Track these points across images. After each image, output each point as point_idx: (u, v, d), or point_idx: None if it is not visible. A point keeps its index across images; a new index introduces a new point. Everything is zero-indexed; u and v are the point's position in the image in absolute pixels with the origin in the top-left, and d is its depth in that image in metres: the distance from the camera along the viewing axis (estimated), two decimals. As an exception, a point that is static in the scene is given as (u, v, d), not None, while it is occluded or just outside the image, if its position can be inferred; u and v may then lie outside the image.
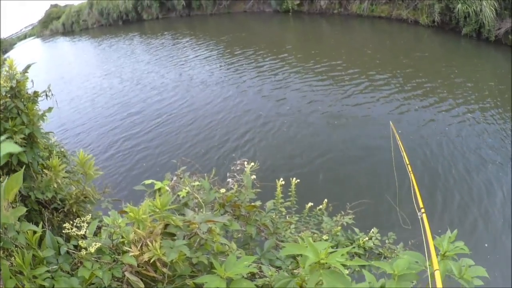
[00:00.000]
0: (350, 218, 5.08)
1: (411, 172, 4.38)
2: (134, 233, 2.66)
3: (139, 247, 2.60)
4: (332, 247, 2.49)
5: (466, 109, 16.22)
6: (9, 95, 4.06)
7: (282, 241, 4.23)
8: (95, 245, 2.70)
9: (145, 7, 61.90)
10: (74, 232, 2.85)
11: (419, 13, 30.07)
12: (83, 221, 2.93)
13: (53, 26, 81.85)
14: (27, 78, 4.30)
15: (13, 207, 2.70)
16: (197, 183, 4.01)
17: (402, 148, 5.15)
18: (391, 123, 7.69)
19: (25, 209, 2.67)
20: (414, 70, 21.58)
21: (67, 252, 2.87)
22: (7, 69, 4.16)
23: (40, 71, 36.64)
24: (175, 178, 4.18)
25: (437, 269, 2.50)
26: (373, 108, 17.44)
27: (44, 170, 4.30)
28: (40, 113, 4.41)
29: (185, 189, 3.78)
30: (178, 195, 3.78)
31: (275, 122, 17.29)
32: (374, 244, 4.75)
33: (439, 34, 27.97)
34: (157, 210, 2.72)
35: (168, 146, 16.80)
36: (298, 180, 5.25)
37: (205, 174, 4.31)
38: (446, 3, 26.75)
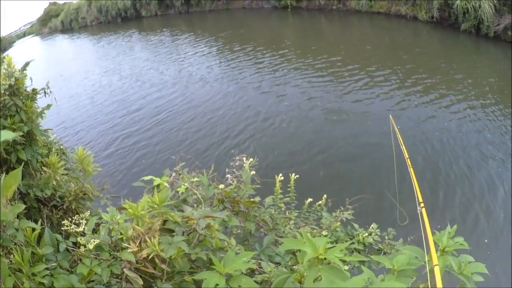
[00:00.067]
0: (349, 214, 5.08)
1: (410, 166, 4.38)
2: (133, 229, 2.66)
3: (137, 244, 2.60)
4: (331, 242, 2.49)
5: (466, 105, 16.22)
6: (7, 93, 4.06)
7: (281, 237, 4.23)
8: (94, 242, 2.70)
9: (144, 4, 61.86)
10: (73, 229, 2.85)
11: (418, 8, 30.04)
12: (81, 218, 2.93)
13: (52, 24, 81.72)
14: (26, 75, 4.29)
15: (11, 205, 2.70)
16: (196, 179, 4.01)
17: (402, 142, 5.14)
18: (391, 116, 7.67)
19: (23, 206, 2.66)
20: (413, 66, 21.56)
21: (67, 250, 2.88)
22: (5, 67, 4.16)
23: (39, 69, 36.59)
24: (174, 174, 4.17)
25: (436, 265, 2.50)
26: (373, 104, 17.43)
27: (43, 167, 4.29)
28: (38, 110, 4.41)
29: (184, 185, 3.78)
30: (177, 191, 3.77)
31: (275, 118, 17.28)
32: (373, 240, 4.75)
33: (438, 30, 27.94)
34: (156, 206, 2.72)
35: (168, 143, 16.78)
36: (297, 176, 5.25)
37: (204, 170, 4.30)
38: (445, -2, 26.77)
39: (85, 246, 2.71)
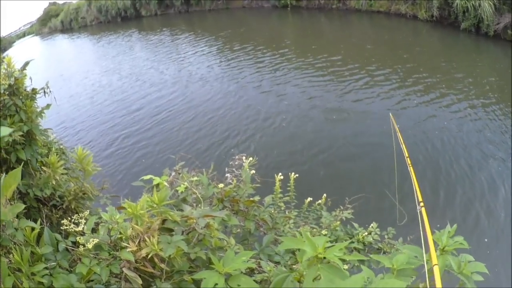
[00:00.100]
0: (349, 213, 5.08)
1: (410, 165, 4.38)
2: (132, 228, 2.66)
3: (137, 243, 2.60)
4: (330, 242, 2.48)
5: (467, 104, 16.20)
6: (7, 92, 4.06)
7: (280, 236, 4.23)
8: (93, 241, 2.70)
9: (144, 4, 61.88)
10: (72, 228, 2.85)
11: (418, 7, 30.04)
12: (81, 218, 2.93)
13: (51, 24, 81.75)
14: (25, 75, 4.30)
15: (11, 204, 2.71)
16: (195, 178, 4.01)
17: (402, 140, 5.14)
18: (390, 115, 7.67)
19: (23, 206, 2.67)
20: (413, 65, 21.56)
21: (66, 249, 2.88)
22: (5, 66, 4.17)
23: (39, 68, 36.57)
24: (173, 173, 4.17)
25: (435, 264, 2.50)
26: (373, 103, 17.42)
27: (42, 167, 4.30)
28: (38, 110, 4.41)
29: (184, 184, 3.78)
30: (177, 191, 3.77)
31: (275, 117, 17.27)
32: (373, 239, 4.75)
33: (437, 29, 27.94)
34: (155, 206, 2.72)
35: (168, 143, 16.77)
36: (297, 175, 5.24)
37: (204, 170, 4.30)
38: (445, -3, 26.77)
39: (84, 246, 2.71)
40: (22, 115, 4.09)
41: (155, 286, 2.67)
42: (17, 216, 2.73)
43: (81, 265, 2.66)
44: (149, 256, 2.56)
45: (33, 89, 4.40)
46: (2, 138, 3.79)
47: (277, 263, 3.55)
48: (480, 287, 2.76)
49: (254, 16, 46.26)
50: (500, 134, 13.71)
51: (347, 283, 2.11)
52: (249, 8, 49.82)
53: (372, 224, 4.85)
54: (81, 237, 2.77)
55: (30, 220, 2.81)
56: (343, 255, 2.34)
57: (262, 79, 22.79)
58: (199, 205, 3.56)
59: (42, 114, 4.47)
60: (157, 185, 3.63)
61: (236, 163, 4.56)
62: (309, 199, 5.32)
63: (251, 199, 4.08)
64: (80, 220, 2.90)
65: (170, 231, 2.80)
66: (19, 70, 4.23)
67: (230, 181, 4.33)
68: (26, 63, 4.44)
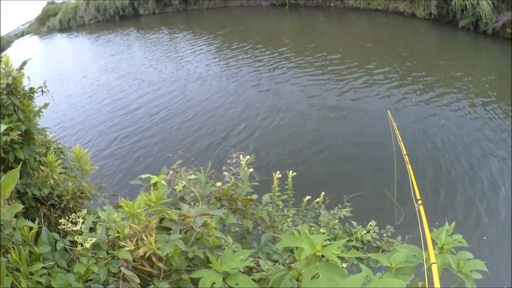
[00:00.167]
0: (347, 211, 5.07)
1: (408, 162, 4.37)
2: (130, 227, 2.66)
3: (134, 242, 2.60)
4: (329, 240, 2.49)
5: (466, 103, 16.21)
6: (5, 92, 4.06)
7: (279, 235, 4.23)
8: (91, 240, 2.70)
9: (142, 3, 61.80)
10: (69, 227, 2.85)
11: (416, 6, 30.07)
12: (78, 217, 2.93)
13: (50, 23, 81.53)
14: (23, 74, 4.30)
15: (9, 204, 2.70)
16: (193, 176, 4.01)
17: (400, 137, 5.14)
18: (389, 112, 7.66)
19: (21, 206, 2.66)
20: (412, 63, 21.57)
21: (64, 249, 2.88)
22: (3, 66, 4.16)
23: (37, 68, 36.54)
24: (171, 172, 4.17)
25: (434, 263, 2.50)
26: (372, 101, 17.43)
27: (40, 166, 4.30)
28: (36, 109, 4.41)
29: (182, 183, 3.77)
30: (175, 189, 3.77)
31: (274, 116, 17.28)
32: (372, 237, 4.74)
33: (436, 27, 27.97)
34: (152, 204, 2.71)
35: (167, 142, 16.76)
36: (295, 173, 5.23)
37: (201, 168, 4.30)
38: (443, -5, 26.79)
39: (82, 245, 2.71)
40: (20, 115, 4.09)
41: (153, 285, 2.67)
42: (15, 216, 2.73)
43: (79, 264, 2.65)
44: (147, 255, 2.56)
45: (31, 88, 4.40)
46: (0, 137, 3.79)
47: (276, 261, 3.54)
48: (481, 285, 2.76)
49: (252, 15, 46.25)
50: (500, 133, 13.72)
51: (347, 282, 2.11)
52: (247, 6, 49.82)
53: (370, 222, 4.84)
54: (79, 237, 2.77)
55: (29, 220, 2.81)
56: (341, 253, 2.34)
57: (260, 77, 22.80)
58: (197, 204, 3.55)
59: (40, 113, 4.46)
60: (155, 184, 3.63)
61: (234, 161, 4.55)
62: (308, 197, 5.31)
63: (249, 197, 4.08)
64: (77, 219, 2.90)
65: (167, 230, 2.79)
66: (17, 70, 4.23)
67: (228, 179, 4.33)
68: (24, 62, 4.43)
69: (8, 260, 2.56)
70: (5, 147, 3.97)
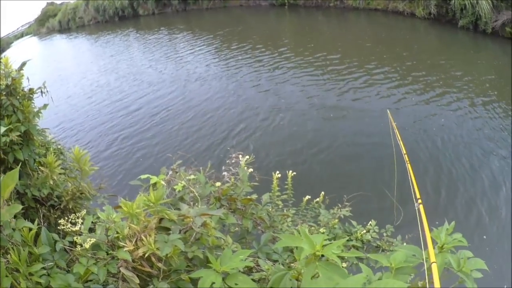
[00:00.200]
0: (347, 211, 5.07)
1: (408, 162, 4.37)
2: (129, 228, 2.66)
3: (134, 242, 2.60)
4: (329, 239, 2.48)
5: (466, 102, 16.20)
6: (4, 93, 4.06)
7: (279, 234, 4.22)
8: (90, 240, 2.70)
9: (141, 3, 61.81)
10: (69, 228, 2.85)
11: (415, 5, 30.06)
12: (77, 217, 2.92)
13: (49, 24, 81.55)
14: (23, 75, 4.30)
15: (9, 205, 2.70)
16: (192, 176, 4.01)
17: (399, 137, 5.13)
18: (388, 111, 7.66)
19: (20, 207, 2.67)
20: (412, 63, 21.57)
21: (64, 249, 2.88)
22: (2, 67, 4.16)
23: (37, 69, 36.47)
24: (170, 172, 4.17)
25: (433, 262, 2.49)
26: (372, 101, 17.43)
27: (40, 167, 4.30)
28: (35, 110, 4.41)
29: (181, 183, 3.77)
30: (174, 190, 3.77)
31: (274, 117, 17.27)
32: (372, 237, 4.74)
33: (435, 27, 27.97)
34: (151, 204, 2.71)
35: (167, 143, 16.75)
36: (295, 173, 5.23)
37: (201, 168, 4.29)
38: (442, -5, 26.80)
39: (81, 245, 2.71)
40: (19, 115, 4.09)
41: (152, 286, 2.67)
42: (15, 216, 2.73)
43: (78, 265, 2.65)
44: (146, 255, 2.56)
45: (30, 89, 4.40)
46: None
47: (275, 261, 3.54)
48: (482, 284, 2.76)
49: (252, 15, 46.27)
50: (500, 132, 13.71)
51: (348, 282, 2.11)
52: (246, 6, 49.83)
53: (370, 222, 4.84)
54: (78, 237, 2.77)
55: (28, 221, 2.81)
56: (341, 253, 2.34)
57: (260, 78, 22.79)
58: (196, 204, 3.55)
59: (40, 114, 4.47)
60: (155, 184, 3.63)
61: (233, 161, 4.55)
62: (307, 197, 5.31)
63: (249, 197, 4.08)
64: (77, 220, 2.90)
65: (167, 230, 2.79)
66: (16, 70, 4.23)
67: (228, 179, 4.33)
68: (23, 63, 4.44)
69: (8, 261, 2.56)
70: (4, 148, 3.97)
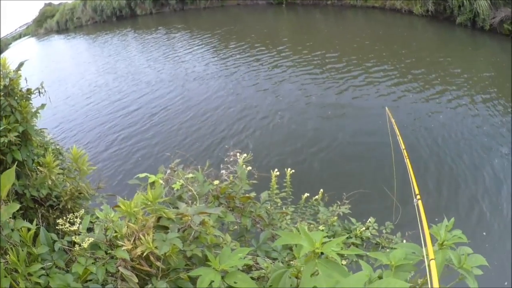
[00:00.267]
0: (346, 208, 5.07)
1: (406, 157, 4.36)
2: (127, 227, 2.65)
3: (132, 241, 2.59)
4: (328, 237, 2.48)
5: (466, 100, 16.19)
6: (2, 93, 4.05)
7: (278, 232, 4.22)
8: (88, 240, 2.69)
9: (139, 3, 61.81)
10: (67, 228, 2.84)
11: (413, 2, 30.07)
12: (76, 217, 2.92)
13: (47, 24, 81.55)
14: (20, 76, 4.29)
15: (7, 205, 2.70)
16: (191, 175, 4.00)
17: (398, 133, 5.12)
18: (387, 108, 7.62)
19: (18, 206, 2.67)
20: (411, 60, 21.56)
21: (63, 249, 2.87)
22: (0, 68, 4.15)
23: (35, 70, 36.52)
24: (169, 171, 4.16)
25: (432, 259, 2.48)
26: (371, 99, 17.42)
27: (38, 167, 4.29)
28: (33, 110, 4.41)
29: (179, 181, 3.77)
30: (172, 188, 3.77)
31: (273, 115, 17.27)
32: (371, 234, 4.74)
33: (433, 24, 27.98)
34: (149, 203, 2.71)
35: (167, 143, 16.75)
36: (293, 171, 5.23)
37: (199, 167, 4.29)
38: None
39: (80, 245, 2.70)
40: (17, 116, 4.08)
41: (151, 285, 2.66)
42: (14, 217, 2.72)
43: (77, 264, 2.65)
44: (145, 254, 2.56)
45: (28, 90, 4.39)
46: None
47: (275, 259, 3.54)
48: (482, 281, 2.75)
49: (250, 13, 46.29)
50: (501, 129, 13.70)
51: (349, 281, 2.10)
52: (244, 5, 49.87)
53: (369, 219, 4.84)
54: (77, 237, 2.76)
55: (27, 221, 2.81)
56: (340, 250, 2.33)
57: (259, 76, 22.79)
58: (195, 202, 3.55)
59: (38, 114, 4.46)
60: (153, 183, 3.62)
61: (232, 159, 4.55)
62: (306, 194, 5.31)
63: (247, 195, 4.07)
64: (75, 220, 2.89)
65: (165, 228, 2.79)
66: (14, 71, 4.22)
67: (226, 177, 4.32)
68: (21, 64, 4.42)
69: (7, 261, 2.55)
70: (3, 149, 3.96)
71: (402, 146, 4.70)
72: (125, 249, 2.57)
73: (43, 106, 4.50)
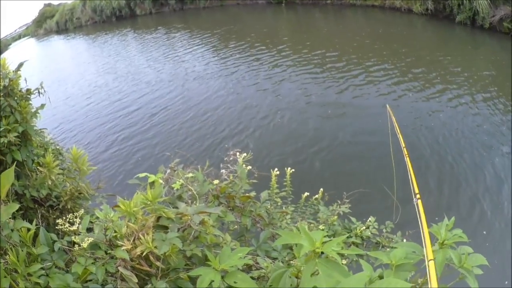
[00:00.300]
0: (346, 207, 5.06)
1: (406, 155, 4.35)
2: (127, 226, 2.65)
3: (131, 241, 2.59)
4: (328, 236, 2.47)
5: (467, 98, 16.16)
6: (2, 94, 4.05)
7: (278, 231, 4.22)
8: (88, 240, 2.69)
9: (138, 3, 61.77)
10: (67, 228, 2.84)
11: (413, 1, 30.02)
12: (75, 217, 2.92)
13: (47, 25, 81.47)
14: (20, 76, 4.29)
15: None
16: (190, 175, 4.00)
17: (398, 131, 5.10)
18: (388, 106, 7.60)
19: (17, 206, 2.66)
20: (411, 59, 21.54)
21: (63, 249, 2.87)
22: (0, 68, 4.15)
23: (34, 70, 36.50)
24: (168, 171, 4.16)
25: (431, 259, 2.47)
26: (372, 98, 17.40)
27: (38, 167, 4.29)
28: (33, 110, 4.40)
29: (179, 181, 3.76)
30: (172, 188, 3.76)
31: (273, 115, 17.25)
32: (371, 233, 4.74)
33: (433, 22, 27.96)
34: (149, 203, 2.70)
35: (167, 143, 16.74)
36: (293, 170, 5.23)
37: (199, 166, 4.29)
38: (439, -10, 26.79)
39: (79, 245, 2.70)
40: (17, 116, 4.08)
41: (151, 285, 2.66)
42: (14, 217, 2.72)
43: (76, 264, 2.65)
44: (144, 254, 2.55)
45: (28, 90, 4.39)
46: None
47: (275, 259, 3.53)
48: (483, 281, 2.74)
49: (249, 13, 46.27)
50: (501, 127, 13.68)
51: (350, 282, 2.09)
52: (243, 4, 49.83)
53: (370, 218, 4.83)
54: (77, 237, 2.76)
55: (27, 221, 2.81)
56: (341, 249, 2.33)
57: (259, 76, 22.76)
58: (195, 202, 3.54)
59: (37, 114, 4.46)
60: (153, 182, 3.62)
61: (231, 159, 4.54)
62: (306, 193, 5.31)
63: (247, 194, 4.07)
64: (75, 220, 2.89)
65: (165, 228, 2.79)
66: (13, 71, 4.22)
67: (226, 177, 4.32)
68: (21, 64, 4.42)
69: (6, 261, 2.55)
70: (3, 149, 3.96)
71: (403, 145, 4.68)
72: (124, 249, 2.56)
73: (42, 106, 4.50)
